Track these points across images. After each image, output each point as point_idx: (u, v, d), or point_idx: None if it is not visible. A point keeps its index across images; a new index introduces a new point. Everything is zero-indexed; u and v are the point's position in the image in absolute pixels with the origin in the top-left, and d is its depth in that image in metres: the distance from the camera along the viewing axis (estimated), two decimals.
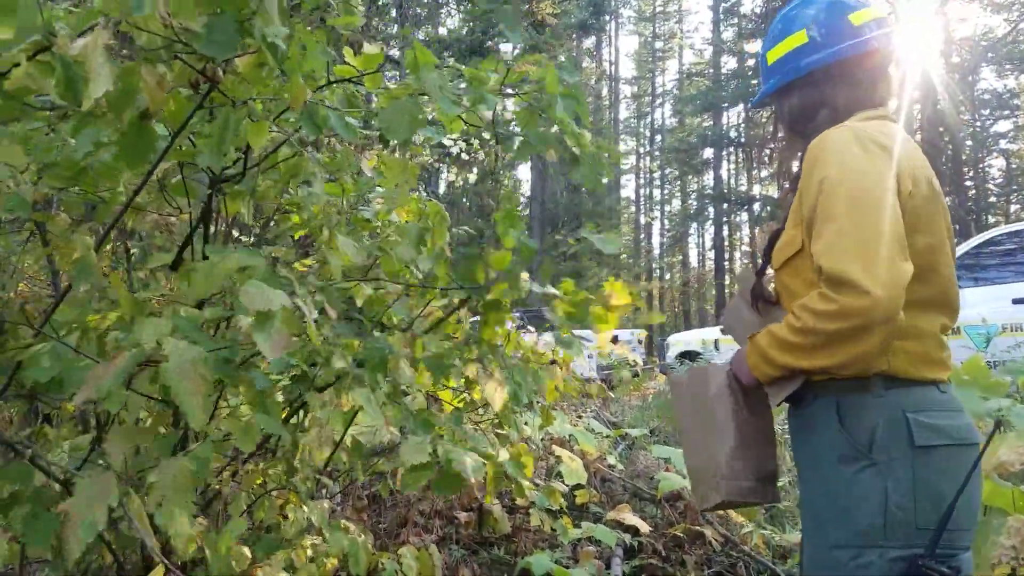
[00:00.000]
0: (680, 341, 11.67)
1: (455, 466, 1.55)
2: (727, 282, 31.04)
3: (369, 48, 1.67)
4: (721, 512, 3.51)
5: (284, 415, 1.94)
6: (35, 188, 1.60)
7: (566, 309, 1.94)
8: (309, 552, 1.94)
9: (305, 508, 1.98)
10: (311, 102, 1.39)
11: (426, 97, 1.55)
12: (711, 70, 33.68)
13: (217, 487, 1.89)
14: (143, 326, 1.06)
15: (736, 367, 1.46)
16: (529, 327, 4.69)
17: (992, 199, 26.36)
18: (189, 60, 1.15)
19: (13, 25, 0.97)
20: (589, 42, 34.83)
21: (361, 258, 1.87)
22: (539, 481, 3.55)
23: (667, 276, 41.33)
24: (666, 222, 41.33)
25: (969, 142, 24.38)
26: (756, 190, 32.10)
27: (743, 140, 30.43)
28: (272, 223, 2.30)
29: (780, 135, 1.55)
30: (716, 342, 10.02)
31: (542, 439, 4.02)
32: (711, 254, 34.97)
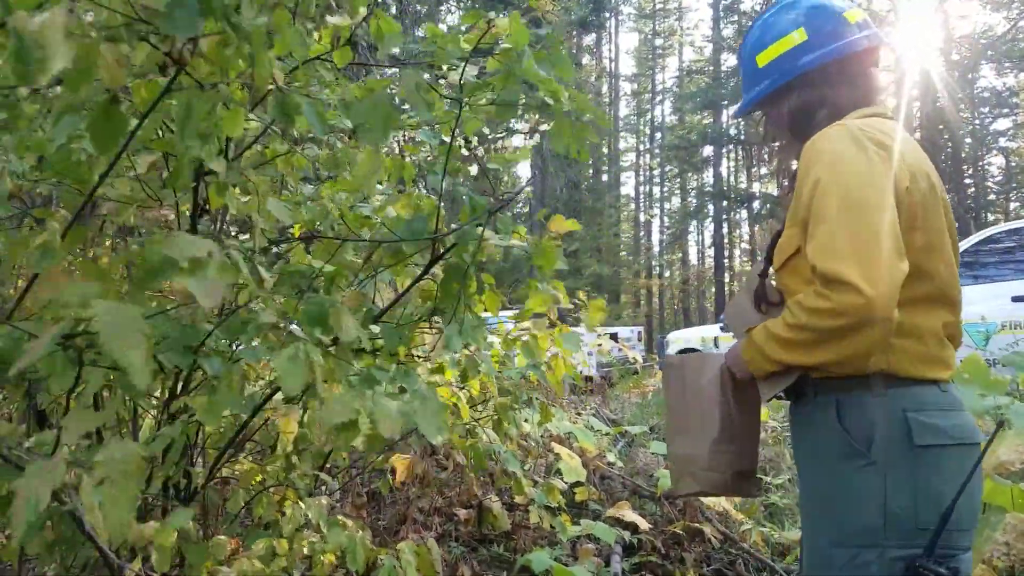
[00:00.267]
0: (680, 338, 11.67)
1: (375, 419, 1.39)
2: (727, 280, 31.08)
3: (336, 20, 1.62)
4: (721, 509, 3.51)
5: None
6: (34, 184, 1.60)
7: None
8: (305, 549, 1.94)
9: (302, 504, 1.98)
10: (284, 89, 1.36)
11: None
12: (711, 67, 33.65)
13: (198, 483, 1.88)
14: (68, 288, 1.04)
15: (731, 360, 1.46)
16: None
17: (991, 197, 26.37)
18: (155, 41, 1.14)
19: None
20: (589, 39, 34.79)
21: (289, 219, 1.81)
22: (538, 478, 3.55)
23: (667, 274, 41.35)
24: (666, 219, 41.35)
25: (969, 140, 24.39)
26: (756, 188, 32.10)
27: (743, 138, 30.39)
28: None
29: (774, 138, 1.54)
30: (716, 339, 10.03)
31: (541, 436, 4.02)
32: (711, 252, 34.98)
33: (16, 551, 1.95)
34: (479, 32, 1.57)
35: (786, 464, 4.37)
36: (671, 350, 11.46)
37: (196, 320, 1.45)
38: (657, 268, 40.23)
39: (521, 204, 27.13)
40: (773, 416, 5.35)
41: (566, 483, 3.38)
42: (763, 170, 32.03)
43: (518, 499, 3.30)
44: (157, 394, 1.90)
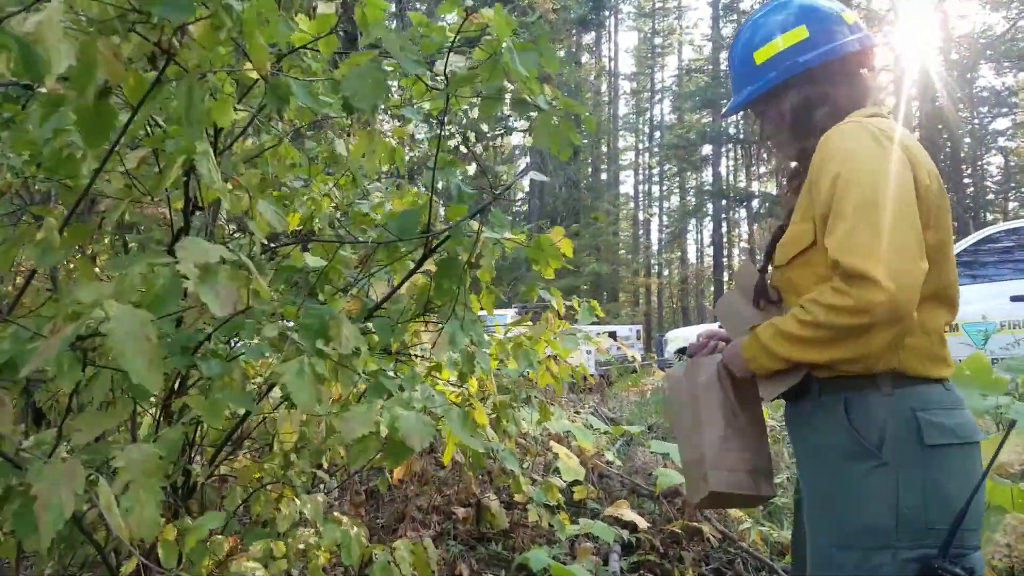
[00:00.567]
0: (678, 337, 11.68)
1: (401, 433, 1.41)
2: (726, 278, 31.06)
3: (323, 8, 1.61)
4: (721, 508, 3.50)
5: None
6: (31, 181, 1.59)
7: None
8: (301, 545, 1.93)
9: (298, 501, 1.97)
10: (274, 73, 1.36)
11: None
12: (710, 66, 33.65)
13: (198, 480, 1.88)
14: (84, 288, 1.04)
15: (729, 359, 1.44)
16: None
17: (990, 196, 26.40)
18: (144, 31, 1.13)
19: None
20: (588, 38, 34.77)
21: (283, 224, 1.80)
22: (537, 477, 3.54)
23: (665, 272, 41.35)
24: (665, 218, 41.37)
25: (968, 139, 24.42)
26: (755, 186, 32.12)
27: (742, 136, 30.40)
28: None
29: (769, 136, 1.53)
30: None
31: (540, 435, 4.01)
32: (710, 250, 35.01)
33: (13, 548, 1.95)
34: (462, 21, 1.55)
35: (785, 463, 4.36)
36: (670, 348, 11.47)
37: (194, 322, 1.45)
38: (656, 267, 40.24)
39: (520, 203, 27.17)
40: (772, 415, 5.35)
41: (565, 482, 3.38)
42: (762, 169, 32.03)
43: (517, 497, 3.29)
44: (156, 393, 1.89)
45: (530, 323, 2.52)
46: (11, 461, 1.32)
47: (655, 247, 41.23)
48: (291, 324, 1.51)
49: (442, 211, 1.88)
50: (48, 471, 1.04)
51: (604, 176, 35.42)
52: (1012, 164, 26.39)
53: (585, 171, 31.51)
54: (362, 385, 1.77)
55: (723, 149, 33.83)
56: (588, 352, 9.25)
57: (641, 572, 3.02)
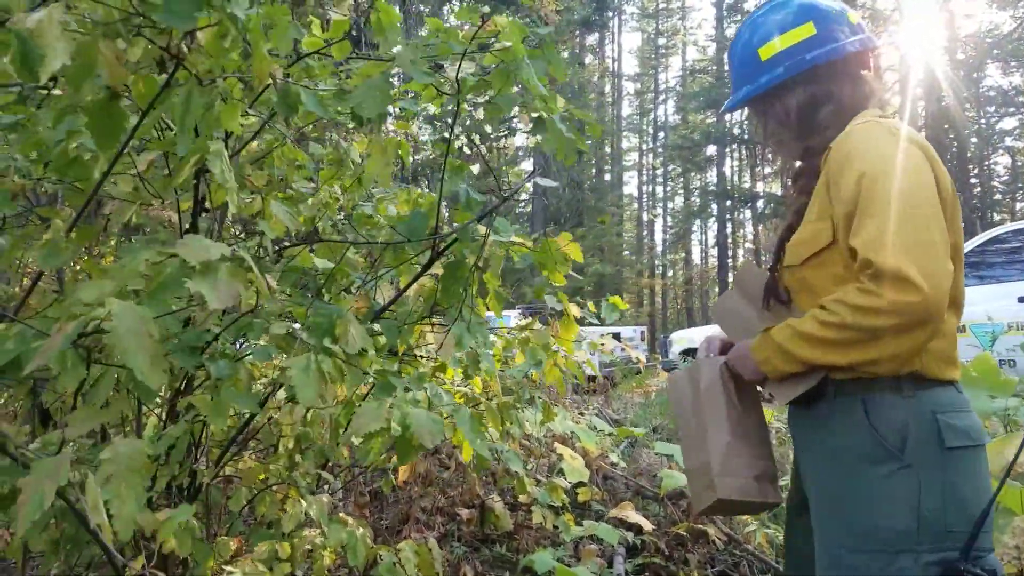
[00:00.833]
0: (683, 338, 11.64)
1: (412, 430, 1.41)
2: (730, 279, 30.98)
3: (336, 16, 1.63)
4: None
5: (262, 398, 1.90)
6: (37, 182, 1.60)
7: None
8: (307, 546, 1.93)
9: (303, 502, 1.98)
10: (283, 81, 1.36)
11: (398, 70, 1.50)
12: (714, 67, 33.61)
13: (203, 481, 1.88)
14: (86, 287, 1.04)
15: (737, 362, 1.42)
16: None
17: (997, 196, 26.31)
18: (152, 36, 1.13)
19: None
20: (592, 39, 34.77)
21: (295, 225, 1.81)
22: (541, 478, 3.54)
23: (670, 273, 41.31)
24: (669, 219, 41.33)
25: (974, 139, 24.32)
26: (759, 187, 32.05)
27: (746, 137, 30.34)
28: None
29: (771, 135, 1.51)
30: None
31: (544, 436, 4.01)
32: (714, 251, 34.97)
33: (20, 548, 1.96)
34: (476, 28, 1.56)
35: (790, 465, 4.35)
36: (674, 350, 11.44)
37: (203, 322, 1.45)
38: (660, 268, 40.22)
39: (523, 204, 27.16)
40: (777, 417, 5.34)
41: (569, 483, 3.37)
42: (767, 169, 31.96)
43: (521, 499, 3.29)
44: (161, 392, 1.90)
45: (538, 326, 2.51)
46: (16, 460, 1.32)
47: (659, 248, 41.21)
48: (299, 325, 1.51)
49: (446, 212, 1.88)
50: (39, 465, 1.04)
51: (608, 177, 35.42)
52: (1019, 164, 26.31)
53: (589, 172, 31.48)
54: (363, 388, 1.77)
55: (727, 150, 33.80)
56: (592, 353, 9.23)
57: (646, 574, 3.01)
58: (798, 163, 1.47)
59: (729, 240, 33.84)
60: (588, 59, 33.87)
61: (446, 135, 1.94)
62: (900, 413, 1.22)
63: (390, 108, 1.49)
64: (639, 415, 6.96)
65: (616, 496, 3.92)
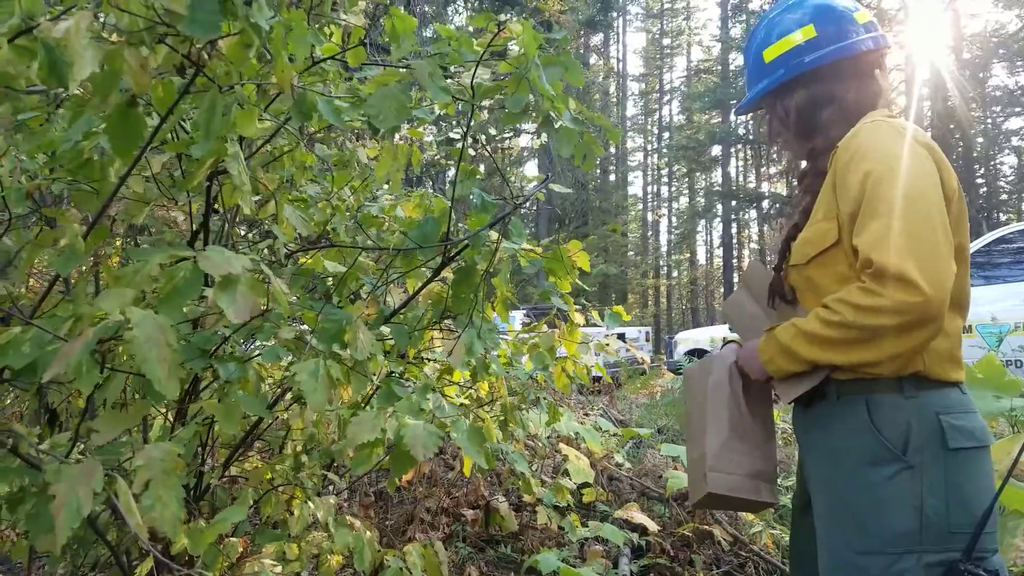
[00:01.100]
0: (688, 339, 11.64)
1: (406, 441, 1.41)
2: (735, 279, 30.95)
3: (352, 20, 1.63)
4: (730, 511, 3.48)
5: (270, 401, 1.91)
6: (47, 182, 1.60)
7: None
8: (314, 549, 1.93)
9: (311, 504, 1.98)
10: (299, 87, 1.37)
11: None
12: (719, 67, 33.56)
13: (212, 481, 1.89)
14: (107, 296, 1.05)
15: (744, 361, 1.43)
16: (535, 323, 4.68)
17: (1004, 196, 26.20)
18: (173, 43, 1.14)
19: None
20: (597, 39, 34.77)
21: (308, 230, 1.81)
22: (546, 479, 3.54)
23: (675, 274, 41.26)
24: (674, 219, 41.26)
25: (980, 139, 24.23)
26: (765, 187, 32.00)
27: (751, 137, 30.30)
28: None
29: (776, 135, 1.53)
30: (725, 340, 9.98)
31: (549, 437, 4.01)
32: (719, 251, 34.90)
33: (26, 549, 1.96)
34: (490, 35, 1.56)
35: (796, 466, 4.34)
36: (679, 351, 11.44)
37: (213, 324, 1.46)
38: (665, 268, 40.18)
39: (528, 204, 27.14)
40: (783, 417, 5.32)
41: (574, 484, 3.37)
42: (772, 169, 31.93)
43: (526, 499, 3.29)
44: (173, 398, 1.91)
45: (544, 330, 2.51)
46: (28, 462, 1.33)
47: (664, 248, 41.17)
48: (307, 328, 1.52)
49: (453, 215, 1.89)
50: (67, 471, 1.04)
51: (613, 177, 35.42)
52: None
53: (594, 173, 31.48)
54: (369, 389, 1.77)
55: (732, 150, 33.73)
56: (597, 354, 9.22)
57: (651, 575, 3.01)
58: (803, 163, 1.48)
59: (734, 240, 33.79)
60: (593, 59, 33.89)
61: (451, 135, 1.94)
62: (903, 414, 1.22)
63: (406, 118, 1.49)
64: (644, 416, 6.95)
65: (621, 497, 3.91)
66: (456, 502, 3.44)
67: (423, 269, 1.93)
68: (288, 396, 1.98)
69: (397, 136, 2.02)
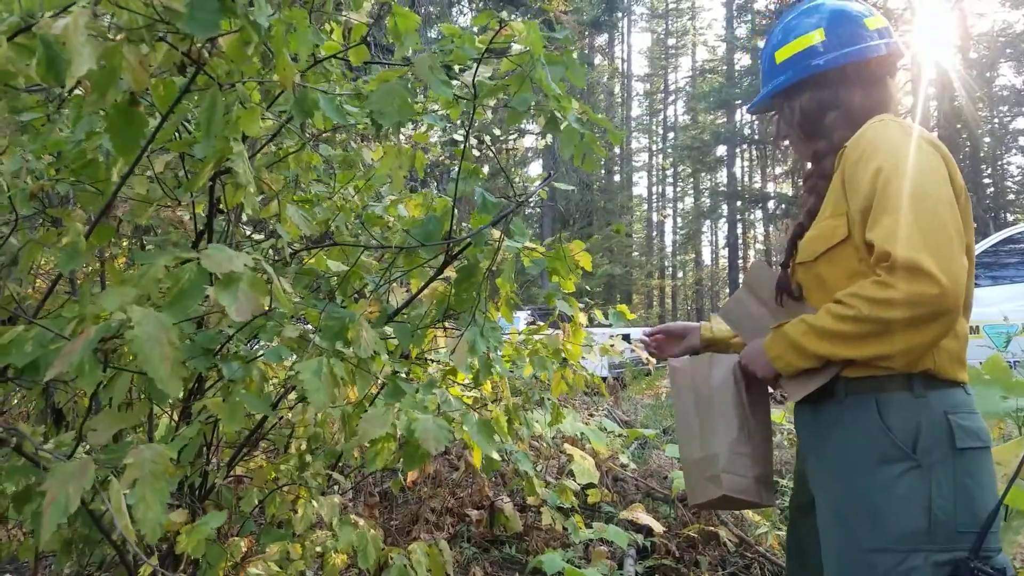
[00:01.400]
0: None
1: (418, 436, 1.41)
2: (741, 280, 30.86)
3: (354, 18, 1.63)
4: (736, 512, 3.48)
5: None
6: (50, 183, 1.61)
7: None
8: (318, 548, 1.94)
9: (315, 503, 1.98)
10: (300, 86, 1.37)
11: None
12: (724, 67, 33.51)
13: (216, 481, 1.89)
14: (108, 295, 1.05)
15: (750, 359, 1.43)
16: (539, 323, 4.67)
17: (1011, 196, 26.08)
18: (173, 41, 1.14)
19: None
20: (602, 39, 34.72)
21: (311, 229, 1.82)
22: (551, 479, 3.54)
23: (680, 274, 41.19)
24: (679, 220, 41.21)
25: (987, 139, 24.13)
26: (770, 187, 31.93)
27: (757, 137, 30.24)
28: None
29: (783, 136, 1.54)
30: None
31: (553, 437, 4.00)
32: (724, 252, 34.81)
33: (33, 548, 1.97)
34: (492, 33, 1.56)
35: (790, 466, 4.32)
36: None
37: (217, 323, 1.46)
38: (670, 268, 40.11)
39: (533, 205, 27.13)
40: (789, 418, 5.31)
41: (579, 485, 3.36)
42: (777, 170, 31.85)
43: (530, 500, 3.28)
44: (175, 397, 1.91)
45: (548, 332, 2.51)
46: (32, 461, 1.33)
47: (669, 249, 41.10)
48: (311, 327, 1.52)
49: (456, 213, 1.89)
50: (61, 468, 1.05)
51: (617, 178, 35.37)
52: None
53: (598, 173, 31.45)
54: (374, 388, 1.78)
55: (737, 150, 33.67)
56: (602, 357, 9.20)
57: None
58: (808, 165, 1.49)
59: (739, 241, 33.71)
60: (598, 60, 33.85)
61: (455, 136, 1.95)
62: (912, 413, 1.22)
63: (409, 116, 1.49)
64: (649, 416, 6.94)
65: (626, 498, 3.90)
66: (461, 502, 3.44)
67: (426, 268, 1.93)
68: (292, 395, 1.99)
69: (403, 139, 2.02)
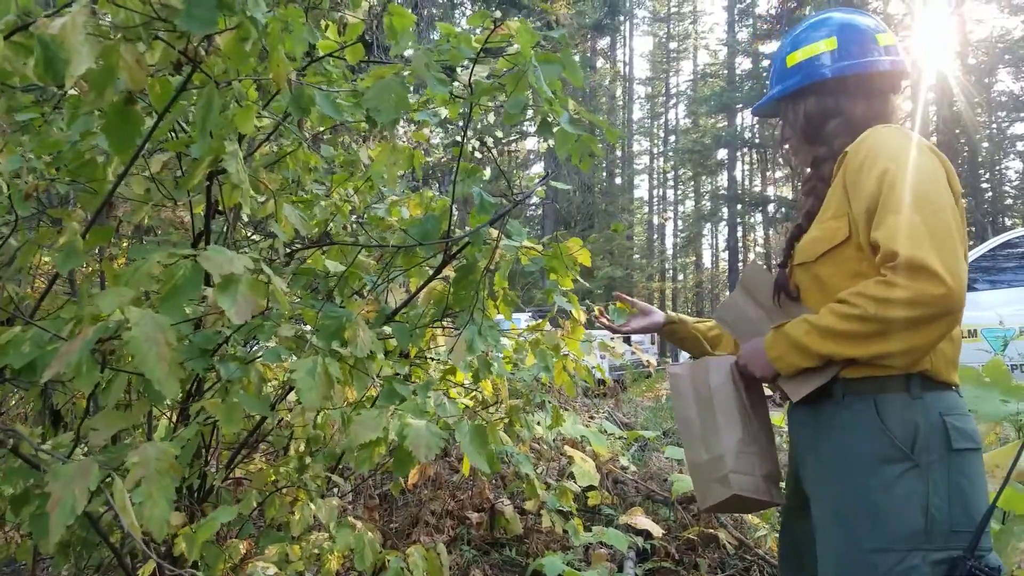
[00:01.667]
0: None
1: (409, 442, 1.40)
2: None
3: (351, 20, 1.64)
4: (735, 514, 3.47)
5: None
6: (46, 183, 1.61)
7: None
8: (315, 550, 1.93)
9: (313, 506, 1.98)
10: (297, 83, 1.37)
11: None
12: (725, 71, 33.56)
13: (215, 483, 1.89)
14: (105, 296, 1.05)
15: (749, 359, 1.44)
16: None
17: (1009, 201, 26.09)
18: (170, 39, 1.14)
19: None
20: (603, 42, 34.77)
21: (307, 229, 1.81)
22: (551, 482, 3.53)
23: (680, 277, 41.19)
24: (679, 223, 41.22)
25: (986, 144, 24.13)
26: (770, 191, 31.97)
27: (757, 141, 30.27)
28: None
29: (786, 139, 1.57)
30: None
31: (554, 439, 4.00)
32: (725, 255, 34.81)
33: (30, 550, 1.96)
34: (487, 32, 1.56)
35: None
36: (684, 353, 11.39)
37: (214, 323, 1.46)
38: (671, 271, 40.10)
39: (534, 207, 27.16)
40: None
41: (579, 487, 3.36)
42: (778, 174, 31.89)
43: (528, 505, 3.28)
44: (172, 398, 1.91)
45: (548, 328, 2.51)
46: (29, 463, 1.33)
47: (670, 251, 41.10)
48: (309, 328, 1.52)
49: (456, 214, 1.89)
50: (63, 470, 1.04)
51: (619, 180, 35.38)
52: None
53: (599, 175, 31.47)
54: (373, 391, 1.77)
55: (738, 153, 33.70)
56: (602, 357, 9.21)
57: None
58: (808, 169, 1.52)
59: (740, 244, 33.73)
60: (599, 63, 33.88)
61: (457, 139, 1.95)
62: (911, 414, 1.24)
63: (405, 112, 1.49)
64: (649, 418, 6.94)
65: (627, 500, 3.90)
66: (461, 505, 3.43)
67: (425, 267, 1.93)
68: (291, 396, 1.99)
69: (401, 135, 2.02)
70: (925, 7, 20.39)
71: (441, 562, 2.15)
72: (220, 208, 1.68)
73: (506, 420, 2.94)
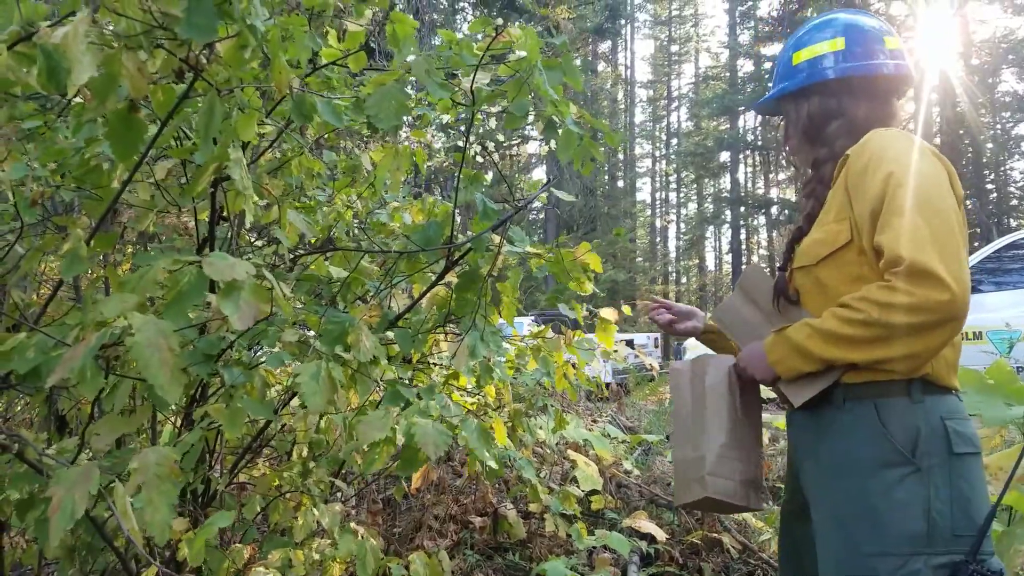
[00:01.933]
0: (696, 345, 11.56)
1: (417, 440, 1.41)
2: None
3: (353, 27, 1.65)
4: (739, 519, 3.47)
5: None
6: (51, 190, 1.62)
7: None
8: (317, 556, 1.93)
9: (316, 511, 1.98)
10: (299, 90, 1.38)
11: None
12: (727, 73, 33.57)
13: (219, 487, 1.89)
14: (109, 302, 1.06)
15: (748, 362, 1.43)
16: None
17: (1014, 202, 26.03)
18: (171, 47, 1.15)
19: None
20: (605, 46, 34.82)
21: (312, 234, 1.83)
22: (554, 486, 3.53)
23: (683, 280, 41.15)
24: (682, 225, 41.19)
25: (990, 145, 24.10)
26: (774, 193, 31.94)
27: (760, 143, 30.26)
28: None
29: (788, 139, 1.57)
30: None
31: (557, 443, 4.00)
32: (728, 257, 34.81)
33: (36, 555, 1.97)
34: (489, 39, 1.57)
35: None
36: (688, 356, 11.39)
37: (218, 329, 1.47)
38: (674, 274, 40.07)
39: (536, 211, 27.17)
40: None
41: (582, 491, 3.36)
42: (781, 176, 31.87)
43: (533, 507, 3.28)
44: (175, 404, 1.91)
45: (551, 334, 2.51)
46: (34, 468, 1.33)
47: (673, 254, 41.08)
48: (312, 333, 1.53)
49: (458, 219, 1.89)
50: (65, 474, 1.05)
51: (621, 183, 35.40)
52: None
53: (602, 179, 31.48)
54: (376, 395, 1.78)
55: (741, 156, 33.69)
56: (605, 361, 9.20)
57: None
58: (809, 171, 1.51)
59: (743, 247, 33.68)
60: (601, 66, 33.93)
61: (460, 143, 1.96)
62: (912, 418, 1.23)
63: (406, 116, 1.49)
64: (653, 422, 6.93)
65: (630, 504, 3.90)
66: (464, 509, 3.43)
67: (427, 273, 1.94)
68: (295, 401, 1.99)
69: (403, 138, 2.03)
70: (927, 8, 20.37)
71: (443, 568, 2.15)
72: (224, 214, 1.69)
73: (509, 424, 2.94)
